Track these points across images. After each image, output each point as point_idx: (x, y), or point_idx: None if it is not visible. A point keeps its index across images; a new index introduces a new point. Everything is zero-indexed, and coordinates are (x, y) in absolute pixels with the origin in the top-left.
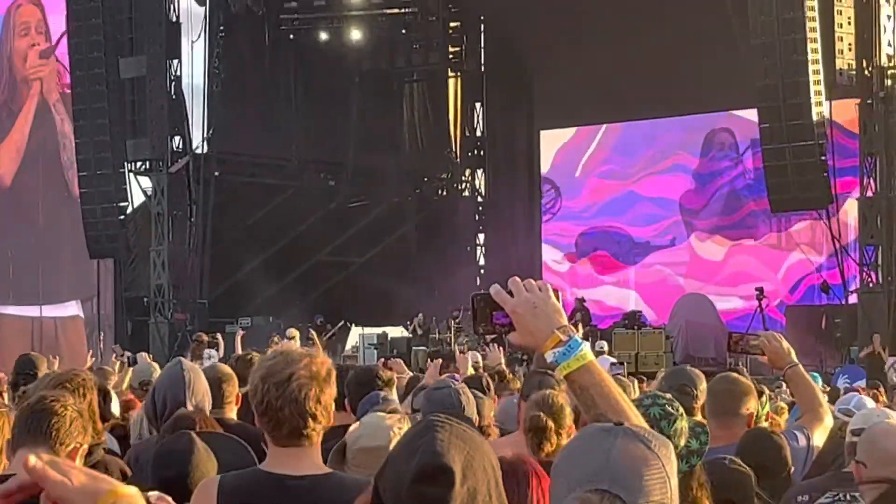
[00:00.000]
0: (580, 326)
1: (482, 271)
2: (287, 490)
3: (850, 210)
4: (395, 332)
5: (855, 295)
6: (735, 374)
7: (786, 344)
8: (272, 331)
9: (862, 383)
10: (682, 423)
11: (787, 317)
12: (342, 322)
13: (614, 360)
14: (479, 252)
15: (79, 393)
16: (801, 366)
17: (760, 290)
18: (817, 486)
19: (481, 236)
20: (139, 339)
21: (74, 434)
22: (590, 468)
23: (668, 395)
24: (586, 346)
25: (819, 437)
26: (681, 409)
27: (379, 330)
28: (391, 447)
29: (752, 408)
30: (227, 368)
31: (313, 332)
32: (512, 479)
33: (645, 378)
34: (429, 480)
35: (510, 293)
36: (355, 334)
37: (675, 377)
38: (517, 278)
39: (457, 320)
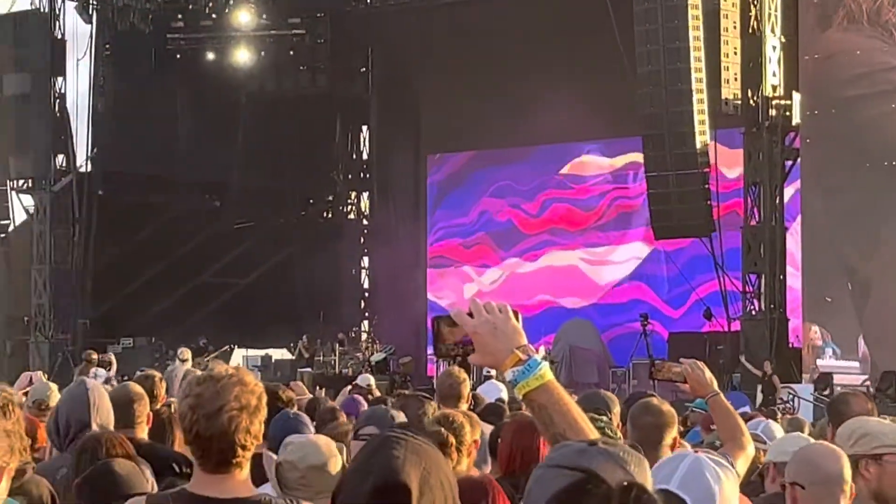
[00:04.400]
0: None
1: (367, 294)
2: None
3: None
4: (279, 354)
5: (738, 322)
6: (657, 403)
7: (708, 373)
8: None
9: (746, 409)
10: (623, 445)
11: (669, 342)
12: (228, 346)
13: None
14: (363, 275)
15: (7, 410)
16: (722, 395)
17: (645, 316)
18: None
19: (366, 259)
20: (18, 359)
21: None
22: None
23: (606, 418)
24: (545, 365)
25: (741, 466)
26: (618, 433)
27: (262, 352)
28: (338, 464)
29: (675, 435)
30: (138, 388)
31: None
32: (477, 496)
33: None
34: (386, 497)
35: (470, 314)
36: (239, 356)
37: (590, 401)
38: (477, 299)
39: (342, 344)
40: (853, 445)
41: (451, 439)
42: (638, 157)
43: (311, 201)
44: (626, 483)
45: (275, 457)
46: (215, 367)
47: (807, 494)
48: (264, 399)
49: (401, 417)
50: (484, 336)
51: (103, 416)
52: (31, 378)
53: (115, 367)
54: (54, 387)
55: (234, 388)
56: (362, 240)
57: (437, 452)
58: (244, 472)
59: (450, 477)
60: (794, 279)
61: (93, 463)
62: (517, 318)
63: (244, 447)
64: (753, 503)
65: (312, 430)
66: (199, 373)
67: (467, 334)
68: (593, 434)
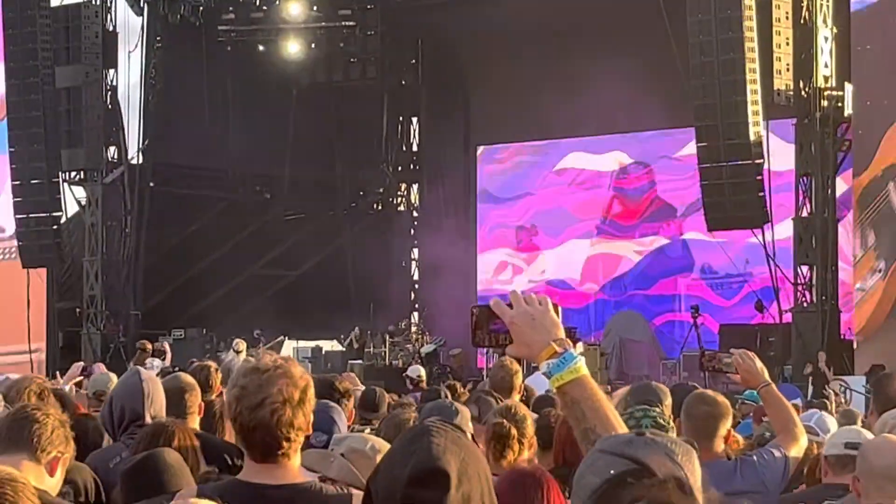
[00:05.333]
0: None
1: (417, 285)
2: (267, 500)
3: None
4: (329, 345)
5: (789, 314)
6: (712, 394)
7: (759, 363)
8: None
9: (798, 401)
10: (672, 436)
11: (720, 335)
12: (280, 337)
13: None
14: (413, 266)
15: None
16: (774, 385)
17: (696, 307)
18: (802, 497)
19: (416, 251)
20: (71, 350)
21: (56, 443)
22: None
23: (658, 409)
24: (581, 360)
25: (794, 456)
26: (671, 423)
27: (313, 343)
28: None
29: (730, 426)
30: (189, 378)
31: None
32: (531, 488)
33: None
34: (424, 484)
35: (510, 305)
36: (289, 348)
37: (642, 393)
38: (517, 291)
39: (392, 335)
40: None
41: (514, 431)
42: (684, 147)
43: (362, 193)
44: (676, 477)
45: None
46: (263, 358)
47: (863, 487)
48: (310, 391)
49: (463, 410)
50: (521, 327)
51: (157, 406)
52: (82, 368)
53: (169, 356)
54: (114, 377)
55: (278, 381)
56: (412, 231)
57: (474, 445)
58: (294, 461)
59: (487, 471)
60: (844, 273)
61: None
62: (556, 312)
63: (288, 439)
64: (807, 492)
65: (345, 420)
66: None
67: (503, 324)
68: (624, 431)
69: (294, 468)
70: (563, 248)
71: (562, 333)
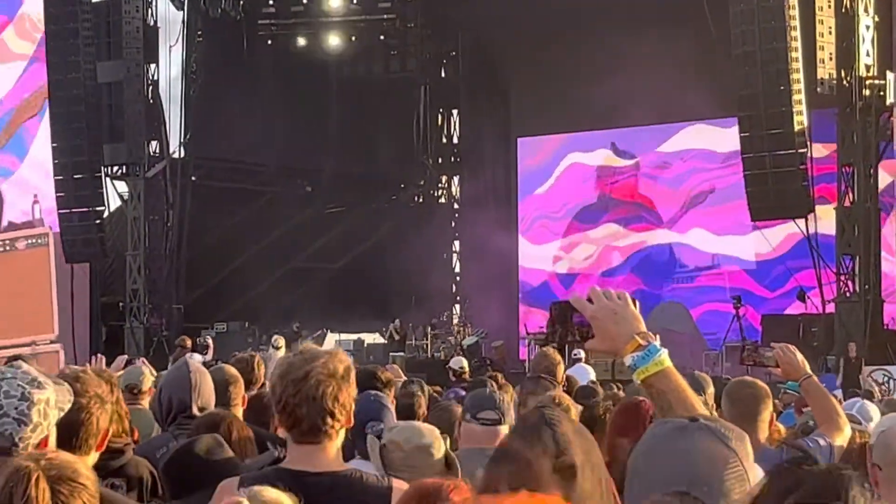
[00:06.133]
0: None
1: (458, 278)
2: (306, 487)
3: (822, 217)
4: (371, 338)
5: (832, 304)
6: (752, 379)
7: (800, 356)
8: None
9: (838, 393)
10: (725, 421)
11: (763, 325)
12: (321, 330)
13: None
14: (454, 258)
15: (112, 387)
16: (815, 377)
17: (738, 298)
18: None
19: (457, 243)
20: (114, 344)
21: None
22: (668, 469)
23: (701, 398)
24: (664, 352)
25: (839, 447)
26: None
27: (355, 336)
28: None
29: (771, 410)
30: (234, 370)
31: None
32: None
33: (622, 385)
34: (561, 472)
35: (589, 300)
36: (331, 340)
37: None
38: (597, 287)
39: (434, 328)
40: None
41: None
42: (726, 138)
43: (402, 185)
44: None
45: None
46: (304, 347)
47: (883, 476)
48: (352, 372)
49: (507, 399)
50: (604, 321)
51: (204, 397)
52: (125, 362)
53: (212, 350)
54: (147, 371)
55: (321, 357)
56: (453, 223)
57: (588, 432)
58: (335, 445)
59: (601, 458)
60: (887, 264)
61: None
62: (635, 305)
63: (332, 415)
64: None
65: (393, 410)
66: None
67: (583, 318)
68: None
69: (334, 453)
70: (603, 238)
71: (643, 326)
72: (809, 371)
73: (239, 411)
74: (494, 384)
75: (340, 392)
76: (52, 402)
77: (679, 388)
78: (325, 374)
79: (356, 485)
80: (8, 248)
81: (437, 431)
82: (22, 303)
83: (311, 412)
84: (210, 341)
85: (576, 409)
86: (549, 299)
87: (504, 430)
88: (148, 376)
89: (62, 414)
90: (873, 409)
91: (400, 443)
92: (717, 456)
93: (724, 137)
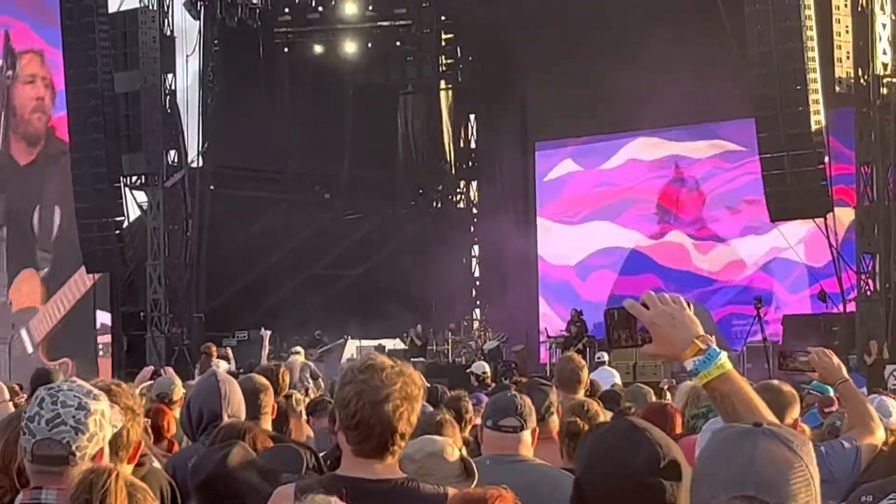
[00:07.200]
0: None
1: (478, 282)
2: (364, 494)
3: (840, 216)
4: (391, 344)
5: (853, 303)
6: (777, 383)
7: (836, 360)
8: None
9: (863, 391)
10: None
11: (784, 325)
12: (343, 337)
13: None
14: (474, 263)
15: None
16: (851, 381)
17: (759, 299)
18: (881, 488)
19: (476, 248)
20: (136, 354)
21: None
22: (734, 472)
23: None
24: (724, 355)
25: (869, 450)
26: None
27: (375, 342)
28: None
29: (796, 415)
30: (263, 379)
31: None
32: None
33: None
34: (664, 473)
35: (644, 306)
36: (352, 347)
37: None
38: (652, 292)
39: (455, 333)
40: None
41: (586, 428)
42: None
43: (421, 191)
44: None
45: None
46: (375, 356)
47: None
48: (423, 390)
49: (528, 404)
50: (662, 326)
51: (234, 407)
52: (152, 372)
53: (233, 360)
54: (178, 381)
55: (398, 379)
56: (472, 228)
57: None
58: (395, 458)
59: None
60: None
61: None
62: (690, 309)
63: (402, 436)
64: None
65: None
66: (355, 360)
67: (640, 324)
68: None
69: (394, 464)
70: (623, 241)
71: (701, 330)
72: (846, 375)
73: (268, 420)
74: (541, 386)
75: (413, 414)
76: (107, 414)
77: (742, 390)
78: (402, 397)
79: (413, 492)
80: None
81: (449, 439)
82: None
83: (384, 432)
84: (230, 352)
85: (604, 416)
86: (570, 303)
87: (526, 435)
88: (179, 386)
89: (114, 430)
90: (893, 405)
91: (412, 454)
92: (783, 460)
93: (742, 137)
